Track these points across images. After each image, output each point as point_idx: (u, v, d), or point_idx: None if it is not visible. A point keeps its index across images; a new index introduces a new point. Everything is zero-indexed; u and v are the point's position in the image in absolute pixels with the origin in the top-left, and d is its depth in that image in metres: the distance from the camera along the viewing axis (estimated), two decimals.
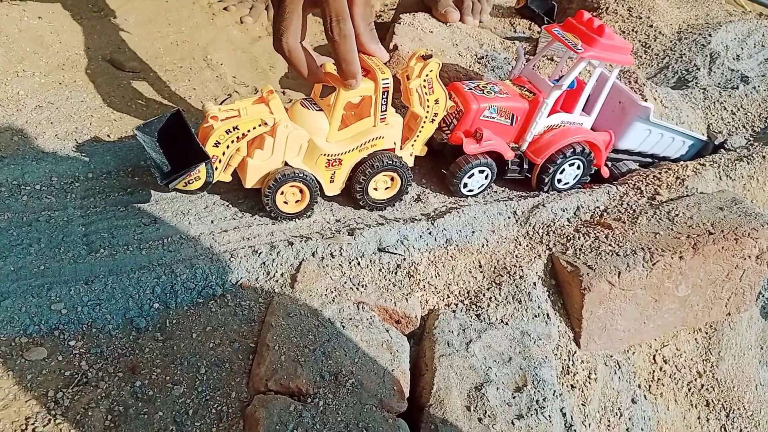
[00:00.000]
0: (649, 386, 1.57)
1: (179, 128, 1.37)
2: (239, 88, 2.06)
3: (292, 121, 1.37)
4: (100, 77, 1.87)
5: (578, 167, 1.68)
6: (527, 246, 1.50)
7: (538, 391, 1.21)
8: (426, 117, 1.50)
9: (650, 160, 1.85)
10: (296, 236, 1.39)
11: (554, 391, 1.23)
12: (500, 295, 1.38)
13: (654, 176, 1.71)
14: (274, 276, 1.30)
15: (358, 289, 1.30)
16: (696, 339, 1.64)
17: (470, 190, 1.64)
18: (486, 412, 1.13)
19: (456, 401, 1.14)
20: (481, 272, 1.43)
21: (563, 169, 1.66)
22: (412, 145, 1.53)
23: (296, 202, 1.43)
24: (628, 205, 1.62)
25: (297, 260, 1.33)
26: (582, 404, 1.41)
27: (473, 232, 1.49)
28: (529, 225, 1.54)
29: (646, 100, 1.79)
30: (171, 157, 1.37)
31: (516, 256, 1.47)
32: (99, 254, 1.28)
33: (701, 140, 1.85)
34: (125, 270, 1.25)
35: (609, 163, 1.78)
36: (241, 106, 1.35)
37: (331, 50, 1.26)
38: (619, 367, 1.50)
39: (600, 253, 1.46)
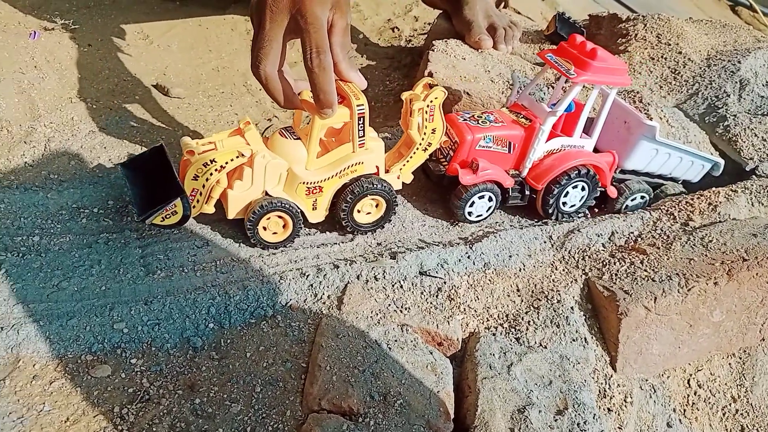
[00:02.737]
0: (684, 410, 1.59)
1: (162, 163, 1.39)
2: (278, 112, 2.13)
3: (271, 151, 1.40)
4: (147, 103, 1.95)
5: (583, 188, 1.70)
6: (563, 270, 1.54)
7: (579, 414, 1.24)
8: (420, 144, 1.52)
9: (660, 180, 1.86)
10: (341, 259, 1.45)
11: (594, 414, 1.26)
12: (538, 319, 1.42)
13: (686, 202, 1.74)
14: (321, 298, 1.35)
15: (401, 311, 1.35)
16: (730, 364, 1.66)
17: (479, 215, 1.66)
18: None
19: (500, 423, 1.18)
20: (519, 296, 1.47)
21: (567, 192, 1.67)
22: (401, 169, 1.54)
23: (274, 233, 1.45)
24: (662, 230, 1.65)
25: (342, 283, 1.38)
26: (618, 427, 1.43)
27: (510, 256, 1.53)
28: (565, 250, 1.58)
29: (651, 119, 1.80)
30: (154, 191, 1.39)
31: (553, 280, 1.51)
32: (156, 275, 1.34)
33: (711, 160, 1.85)
34: (181, 291, 1.31)
35: (616, 184, 1.78)
36: (217, 139, 1.38)
37: (309, 80, 1.28)
38: (655, 391, 1.52)
39: (636, 279, 1.49)
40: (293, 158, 1.41)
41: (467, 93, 1.98)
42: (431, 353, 1.28)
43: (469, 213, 1.64)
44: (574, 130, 1.66)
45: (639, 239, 1.64)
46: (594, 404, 1.29)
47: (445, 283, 1.43)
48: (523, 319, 1.42)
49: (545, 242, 1.59)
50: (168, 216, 1.33)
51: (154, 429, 1.08)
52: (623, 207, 1.81)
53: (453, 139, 1.62)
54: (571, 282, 1.51)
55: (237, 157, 1.35)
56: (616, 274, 1.51)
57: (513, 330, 1.39)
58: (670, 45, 2.27)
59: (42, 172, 1.56)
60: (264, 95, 2.17)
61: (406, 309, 1.35)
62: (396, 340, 1.27)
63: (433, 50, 2.13)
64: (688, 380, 1.62)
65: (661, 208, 1.74)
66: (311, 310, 1.33)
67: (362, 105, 1.36)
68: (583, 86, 1.73)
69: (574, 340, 1.40)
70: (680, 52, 2.24)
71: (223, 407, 1.13)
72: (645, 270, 1.52)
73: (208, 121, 1.97)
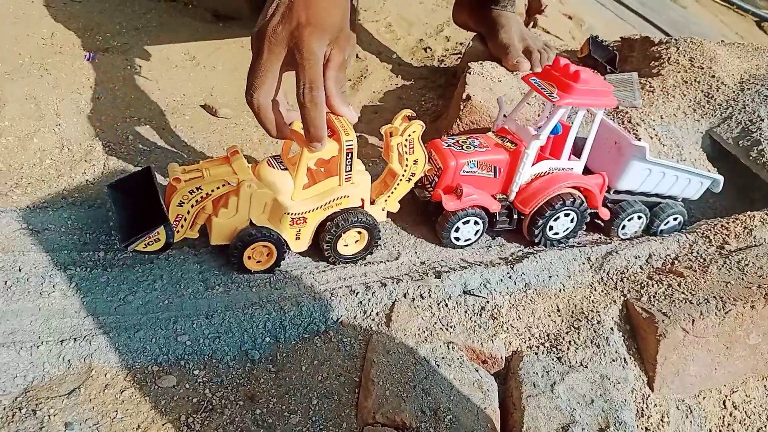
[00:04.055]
0: (720, 431, 1.61)
1: (149, 186, 1.40)
2: None
3: (258, 180, 1.41)
4: (197, 123, 2.04)
5: (572, 220, 1.69)
6: (602, 291, 1.58)
7: None
8: (403, 176, 1.54)
9: (656, 199, 1.85)
10: (388, 278, 1.51)
11: None
12: (579, 339, 1.46)
13: (722, 225, 1.77)
14: (370, 315, 1.41)
15: (447, 329, 1.40)
16: (765, 386, 1.68)
17: (467, 240, 1.66)
18: None
19: None
20: (559, 316, 1.52)
21: (558, 217, 1.67)
22: (386, 201, 1.56)
23: (258, 262, 1.46)
24: (698, 253, 1.68)
25: (390, 300, 1.44)
26: None
27: (550, 276, 1.58)
28: (603, 271, 1.62)
29: (639, 140, 1.79)
30: (140, 214, 1.40)
31: (592, 301, 1.55)
32: (215, 290, 1.41)
33: (710, 177, 1.84)
34: (239, 306, 1.38)
35: (611, 205, 1.79)
36: (204, 167, 1.40)
37: (300, 114, 1.28)
38: (691, 412, 1.56)
39: (674, 301, 1.53)
40: (279, 188, 1.41)
41: (504, 115, 2.04)
42: (477, 371, 1.33)
43: (456, 238, 1.65)
44: (562, 153, 1.66)
45: (676, 262, 1.67)
46: (634, 423, 1.33)
47: (488, 302, 1.48)
48: (563, 338, 1.46)
49: (584, 263, 1.64)
50: (151, 243, 1.34)
51: None
52: (620, 229, 1.81)
53: (437, 165, 1.63)
54: (610, 303, 1.55)
55: (223, 185, 1.37)
56: (654, 296, 1.55)
57: (554, 349, 1.44)
58: (703, 68, 2.31)
59: (103, 189, 1.65)
60: None
61: (451, 327, 1.41)
62: (443, 357, 1.32)
63: (469, 73, 2.19)
64: (724, 401, 1.64)
65: (697, 231, 1.77)
66: (361, 326, 1.39)
67: (351, 140, 1.36)
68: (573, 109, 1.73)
69: (614, 360, 1.44)
70: (713, 76, 2.28)
71: (283, 418, 1.19)
72: (682, 292, 1.56)
73: (254, 141, 2.06)
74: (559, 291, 1.56)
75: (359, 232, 1.53)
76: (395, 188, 1.56)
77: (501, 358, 1.39)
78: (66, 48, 2.22)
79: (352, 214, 1.48)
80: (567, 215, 1.68)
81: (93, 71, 2.09)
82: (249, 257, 1.45)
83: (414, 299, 1.44)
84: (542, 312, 1.51)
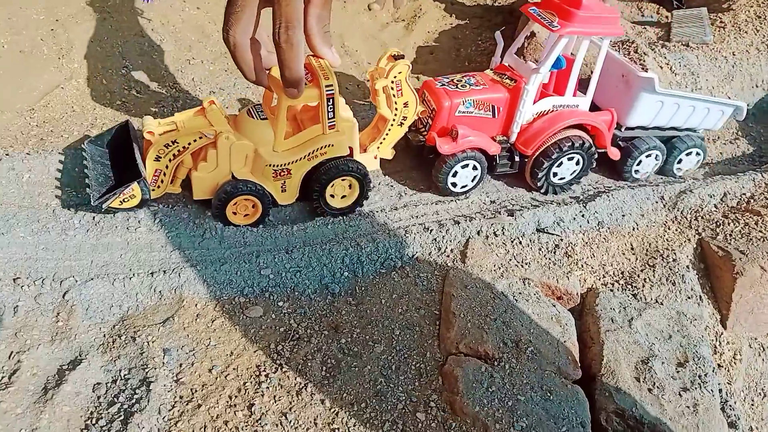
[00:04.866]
0: None
1: (127, 141, 1.37)
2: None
3: (237, 131, 1.35)
4: None
5: (577, 162, 1.57)
6: (676, 230, 1.56)
7: (699, 367, 1.28)
8: (394, 120, 1.46)
9: (675, 133, 1.72)
10: (460, 216, 1.51)
11: (713, 368, 1.30)
12: (654, 277, 1.45)
13: None
14: (445, 251, 1.42)
15: (522, 266, 1.41)
16: None
17: (464, 187, 1.56)
18: (654, 383, 1.22)
19: (625, 372, 1.23)
20: (633, 254, 1.51)
21: (561, 163, 1.56)
22: (378, 148, 1.48)
23: (245, 216, 1.42)
24: None
25: (464, 237, 1.45)
26: (727, 383, 1.47)
27: (623, 215, 1.56)
28: (677, 210, 1.60)
29: (646, 70, 1.65)
30: (118, 170, 1.37)
31: (666, 239, 1.53)
32: (294, 227, 1.44)
33: (731, 104, 1.70)
34: (317, 241, 1.41)
35: (622, 143, 1.67)
36: (179, 120, 1.35)
37: (276, 56, 1.24)
38: (764, 350, 1.55)
39: (751, 239, 1.50)
40: (259, 139, 1.35)
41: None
42: (554, 306, 1.34)
43: (453, 184, 1.54)
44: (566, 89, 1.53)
45: (752, 200, 1.63)
46: (712, 359, 1.33)
47: (561, 240, 1.48)
48: (638, 276, 1.45)
49: (657, 202, 1.61)
50: (126, 199, 1.31)
51: (309, 364, 1.18)
52: (633, 169, 1.68)
53: (431, 106, 1.53)
54: (685, 242, 1.53)
55: (200, 137, 1.32)
56: (730, 235, 1.53)
57: (629, 287, 1.44)
58: None
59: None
60: (360, 57, 2.23)
61: (526, 264, 1.41)
62: (520, 293, 1.34)
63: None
64: None
65: None
66: (436, 262, 1.41)
67: (331, 85, 1.28)
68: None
69: (689, 298, 1.44)
70: None
71: (367, 347, 1.23)
72: (760, 231, 1.53)
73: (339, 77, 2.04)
74: (633, 230, 1.54)
75: (349, 183, 1.45)
76: (387, 134, 1.48)
77: (576, 294, 1.40)
78: None
79: (339, 164, 1.40)
80: (571, 159, 1.56)
81: (153, 15, 2.09)
82: (234, 213, 1.40)
83: (488, 236, 1.45)
84: (616, 250, 1.50)
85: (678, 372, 1.26)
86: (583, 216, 1.53)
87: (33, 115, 1.65)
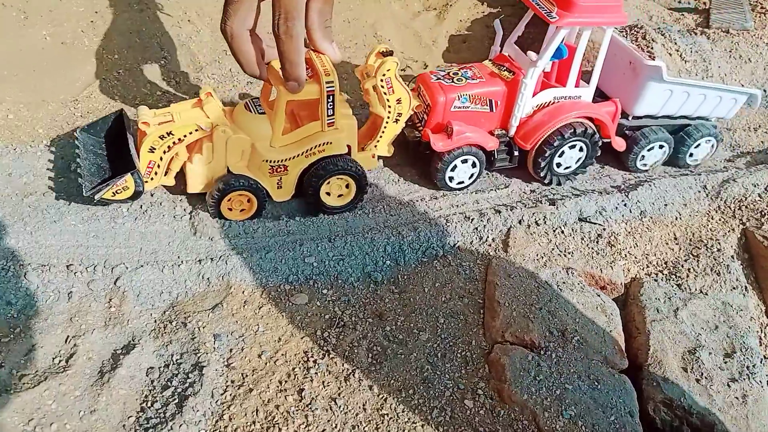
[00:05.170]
0: None
1: (121, 130, 1.35)
2: (410, 63, 2.18)
3: (234, 125, 1.32)
4: None
5: (580, 149, 1.51)
6: (720, 220, 1.54)
7: (747, 357, 1.27)
8: (388, 117, 1.41)
9: (686, 122, 1.65)
10: (500, 205, 1.51)
11: (761, 359, 1.29)
12: (698, 267, 1.44)
13: None
14: (486, 240, 1.42)
15: (565, 255, 1.40)
16: None
17: (460, 182, 1.52)
18: (702, 374, 1.21)
19: (672, 362, 1.23)
20: (676, 244, 1.49)
21: (563, 152, 1.50)
22: (375, 146, 1.44)
23: (241, 211, 1.39)
24: None
25: (505, 227, 1.44)
26: None
27: (666, 204, 1.54)
28: (720, 199, 1.57)
29: (653, 58, 1.57)
30: (112, 160, 1.35)
31: (710, 229, 1.52)
32: (335, 216, 1.45)
33: (744, 92, 1.63)
34: (359, 230, 1.42)
35: (629, 132, 1.60)
36: (175, 111, 1.32)
37: (276, 49, 1.20)
38: None
39: None
40: (257, 134, 1.32)
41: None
42: (599, 295, 1.33)
43: (450, 178, 1.50)
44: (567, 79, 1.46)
45: None
46: (759, 350, 1.31)
47: (604, 229, 1.47)
48: (682, 266, 1.44)
49: (700, 191, 1.59)
50: (119, 191, 1.28)
51: (355, 350, 1.20)
52: (639, 160, 1.63)
53: (426, 101, 1.48)
54: (729, 231, 1.51)
55: (195, 130, 1.29)
56: None
57: (674, 276, 1.42)
58: None
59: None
60: (393, 46, 2.22)
61: (569, 253, 1.41)
62: (564, 282, 1.33)
63: None
64: None
65: None
66: (478, 251, 1.41)
67: (332, 82, 1.26)
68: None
69: (734, 288, 1.42)
70: None
71: (412, 335, 1.24)
72: None
73: (349, 72, 2.04)
74: (676, 219, 1.53)
75: (346, 182, 1.42)
76: (383, 132, 1.43)
77: (620, 284, 1.39)
78: None
79: (335, 162, 1.37)
80: (573, 147, 1.50)
81: (189, 5, 2.10)
82: (230, 209, 1.37)
83: (529, 226, 1.44)
84: (659, 240, 1.49)
85: (726, 363, 1.25)
86: (625, 205, 1.52)
87: (77, 105, 1.68)
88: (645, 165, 1.68)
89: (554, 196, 1.54)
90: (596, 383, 1.15)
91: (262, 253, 1.33)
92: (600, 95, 1.57)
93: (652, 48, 1.66)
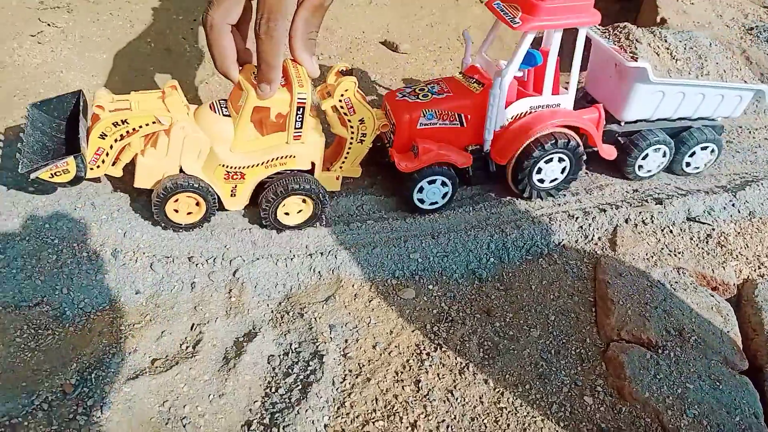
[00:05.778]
0: None
1: (76, 111, 1.26)
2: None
3: (196, 124, 1.24)
4: (381, 59, 2.09)
5: (560, 160, 1.39)
6: None
7: None
8: (352, 138, 1.34)
9: (687, 124, 1.53)
10: (605, 204, 1.49)
11: None
12: None
13: None
14: (592, 239, 1.41)
15: (674, 255, 1.38)
16: None
17: (433, 203, 1.42)
18: None
19: None
20: None
21: (540, 168, 1.39)
22: (340, 167, 1.37)
23: (188, 213, 1.30)
24: None
25: (611, 225, 1.43)
26: None
27: None
28: None
29: (636, 59, 1.43)
30: (59, 140, 1.28)
31: None
32: (437, 213, 1.47)
33: (749, 89, 1.50)
34: (461, 228, 1.43)
35: (622, 139, 1.50)
36: (134, 99, 1.24)
37: (256, 47, 1.08)
38: None
39: None
40: (218, 136, 1.24)
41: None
42: (712, 296, 1.30)
43: (420, 200, 1.41)
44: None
45: None
46: None
47: (713, 229, 1.43)
48: None
49: None
50: (58, 173, 1.19)
51: (466, 345, 1.21)
52: (637, 168, 1.52)
53: (391, 120, 1.40)
54: None
55: (153, 122, 1.21)
56: None
57: None
58: None
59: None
60: (477, 49, 2.23)
61: (679, 253, 1.38)
62: (676, 282, 1.31)
63: None
64: None
65: None
66: (584, 249, 1.40)
67: (304, 94, 1.19)
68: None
69: None
70: None
71: (523, 331, 1.24)
72: None
73: (434, 75, 2.07)
74: None
75: (303, 201, 1.34)
76: (347, 153, 1.37)
77: (732, 285, 1.35)
78: None
79: (296, 180, 1.29)
80: (549, 161, 1.38)
81: None
82: (176, 210, 1.29)
83: (636, 225, 1.42)
84: None
85: None
86: (733, 205, 1.48)
87: None
88: (649, 172, 1.57)
89: (660, 195, 1.51)
90: (717, 383, 1.12)
91: (368, 249, 1.36)
92: (593, 102, 1.49)
93: (635, 48, 1.54)
